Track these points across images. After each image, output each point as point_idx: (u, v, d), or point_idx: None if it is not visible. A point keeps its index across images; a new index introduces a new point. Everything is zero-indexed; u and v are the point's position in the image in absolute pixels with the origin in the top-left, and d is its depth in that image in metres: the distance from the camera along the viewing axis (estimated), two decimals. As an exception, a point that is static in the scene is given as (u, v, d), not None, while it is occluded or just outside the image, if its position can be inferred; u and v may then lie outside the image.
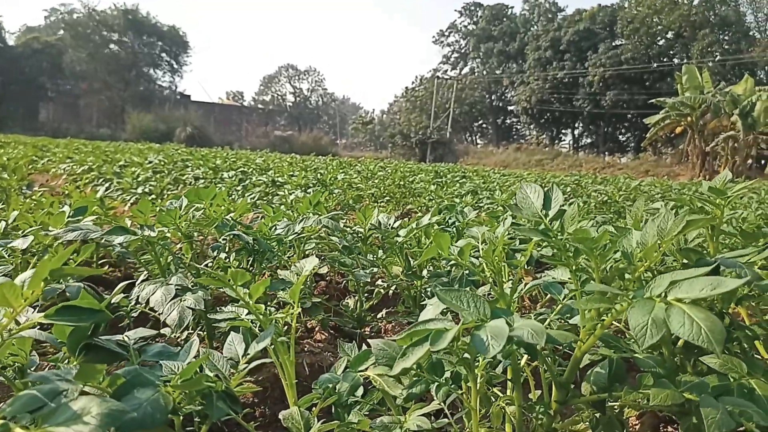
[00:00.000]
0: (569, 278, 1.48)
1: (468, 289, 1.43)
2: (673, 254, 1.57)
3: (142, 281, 2.53)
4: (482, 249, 1.53)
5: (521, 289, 1.63)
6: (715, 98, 35.44)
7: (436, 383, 1.26)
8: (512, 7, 73.30)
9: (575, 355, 1.34)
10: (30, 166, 10.19)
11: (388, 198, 7.53)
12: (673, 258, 1.59)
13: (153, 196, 6.56)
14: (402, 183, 8.02)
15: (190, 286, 2.29)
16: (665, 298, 1.07)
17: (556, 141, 66.21)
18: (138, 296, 2.16)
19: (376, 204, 7.62)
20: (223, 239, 2.27)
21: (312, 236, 3.32)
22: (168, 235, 2.34)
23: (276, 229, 2.52)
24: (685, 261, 1.49)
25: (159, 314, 2.06)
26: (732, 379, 1.35)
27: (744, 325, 1.54)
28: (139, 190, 6.78)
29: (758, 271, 1.91)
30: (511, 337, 1.15)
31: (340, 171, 10.81)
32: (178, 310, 2.02)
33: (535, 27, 67.67)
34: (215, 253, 2.27)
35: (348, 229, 2.93)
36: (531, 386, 1.78)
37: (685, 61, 51.13)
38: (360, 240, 2.86)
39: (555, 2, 68.90)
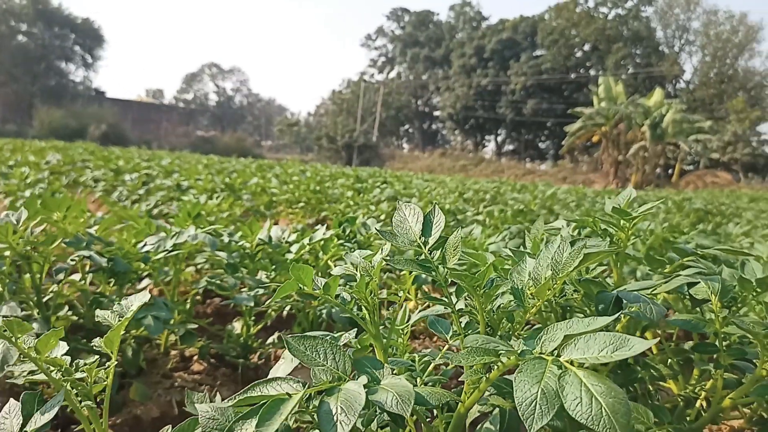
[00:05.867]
0: (447, 303, 1.27)
1: (328, 336, 1.18)
2: (573, 283, 1.38)
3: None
4: (357, 280, 1.29)
5: (404, 326, 1.40)
6: (628, 109, 37.16)
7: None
8: (438, 14, 74.54)
9: (458, 411, 1.12)
10: None
11: (303, 204, 7.22)
12: (573, 288, 1.40)
13: (43, 200, 5.97)
14: (318, 189, 7.73)
15: (33, 315, 1.94)
16: (558, 359, 0.85)
17: (480, 147, 67.63)
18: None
19: (290, 210, 7.30)
20: (72, 259, 1.92)
21: (204, 249, 3.00)
22: (7, 254, 1.97)
23: (146, 245, 2.19)
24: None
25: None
26: (636, 434, 1.17)
27: (650, 363, 1.37)
28: (27, 193, 6.17)
29: (665, 295, 1.77)
30: (371, 403, 0.92)
31: (258, 174, 10.40)
32: (2, 348, 1.67)
33: (460, 34, 68.95)
34: (61, 276, 1.92)
35: (234, 243, 2.62)
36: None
37: (600, 72, 53.46)
38: (247, 257, 2.56)
39: (479, 11, 70.48)
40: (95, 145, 21.08)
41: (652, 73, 53.15)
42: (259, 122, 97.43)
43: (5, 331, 0.93)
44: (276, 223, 6.81)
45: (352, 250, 2.92)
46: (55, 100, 60.15)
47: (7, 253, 1.99)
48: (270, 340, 2.60)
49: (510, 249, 1.50)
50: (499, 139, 67.61)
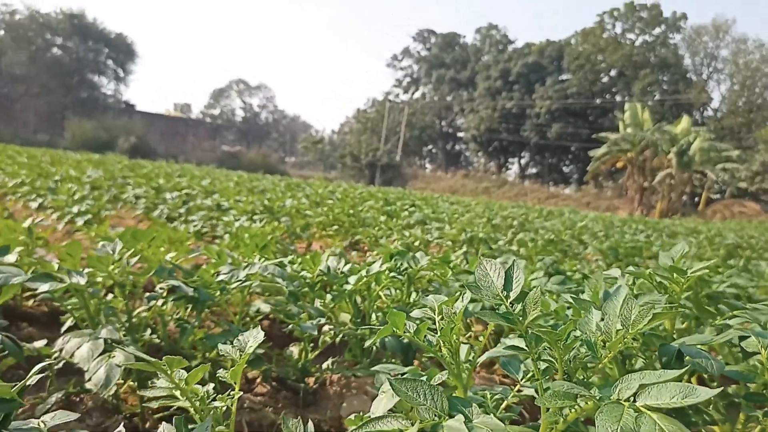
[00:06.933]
0: (528, 356, 1.42)
1: (424, 378, 1.34)
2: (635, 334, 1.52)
3: (68, 330, 2.35)
4: (438, 323, 1.45)
5: (477, 361, 1.55)
6: (654, 136, 37.00)
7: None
8: (464, 36, 75.06)
9: (534, 449, 1.27)
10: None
11: (336, 227, 7.40)
12: (633, 337, 1.55)
13: (89, 216, 6.26)
14: (352, 212, 7.92)
15: (121, 339, 2.12)
16: (634, 404, 1.01)
17: (503, 169, 67.64)
18: (63, 349, 1.98)
19: (324, 232, 7.49)
20: (161, 288, 2.11)
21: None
22: (99, 280, 2.17)
23: (220, 275, 2.38)
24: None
25: (85, 371, 1.89)
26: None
27: (702, 408, 1.51)
28: (75, 209, 6.46)
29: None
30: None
31: (288, 195, 10.64)
32: (106, 369, 1.85)
33: (486, 57, 69.35)
34: (152, 303, 2.11)
35: (293, 271, 2.80)
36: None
37: (626, 98, 53.34)
38: (308, 286, 2.74)
39: (505, 34, 70.87)
40: (133, 162, 21.60)
41: (679, 100, 52.90)
42: (283, 139, 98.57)
43: (164, 365, 1.10)
44: (310, 245, 7.02)
45: (403, 282, 3.09)
46: (86, 112, 61.47)
47: (99, 279, 2.19)
48: (325, 365, 2.76)
49: (571, 297, 1.65)
50: (523, 162, 67.57)
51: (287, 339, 3.31)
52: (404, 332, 1.36)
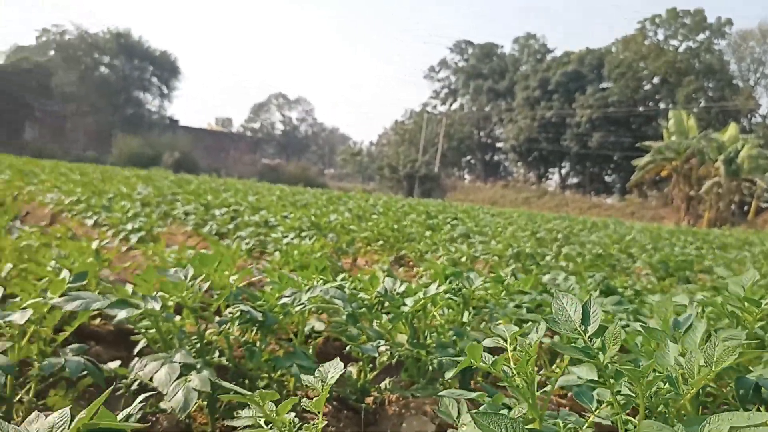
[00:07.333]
0: (598, 386, 1.43)
1: (505, 411, 1.36)
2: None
3: (140, 352, 2.44)
4: (510, 354, 1.48)
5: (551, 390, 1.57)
6: (700, 144, 36.10)
7: None
8: (502, 47, 74.66)
9: (615, 481, 1.27)
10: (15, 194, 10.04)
11: (381, 242, 7.46)
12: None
13: (142, 233, 6.46)
14: (396, 227, 7.97)
15: (194, 362, 2.20)
16: (724, 445, 1.01)
17: (543, 179, 66.84)
18: (140, 372, 2.07)
19: (369, 247, 7.55)
20: (230, 312, 2.19)
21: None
22: (170, 304, 2.25)
23: (283, 298, 2.44)
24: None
25: (164, 395, 1.97)
26: None
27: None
28: (129, 226, 6.68)
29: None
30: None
31: (331, 209, 10.76)
32: (184, 392, 1.93)
33: (524, 67, 68.86)
34: (222, 327, 2.19)
35: (350, 292, 2.85)
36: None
37: (670, 106, 52.22)
38: (366, 308, 2.78)
39: (544, 44, 70.32)
40: (179, 177, 22.18)
41: (726, 107, 51.50)
42: (322, 151, 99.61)
43: (257, 398, 1.16)
44: (356, 261, 7.08)
45: (458, 302, 3.11)
46: (132, 129, 63.21)
47: (171, 303, 2.27)
48: (383, 385, 2.80)
49: (641, 326, 1.65)
50: (563, 171, 66.65)
51: (343, 358, 3.36)
52: (481, 364, 1.39)
